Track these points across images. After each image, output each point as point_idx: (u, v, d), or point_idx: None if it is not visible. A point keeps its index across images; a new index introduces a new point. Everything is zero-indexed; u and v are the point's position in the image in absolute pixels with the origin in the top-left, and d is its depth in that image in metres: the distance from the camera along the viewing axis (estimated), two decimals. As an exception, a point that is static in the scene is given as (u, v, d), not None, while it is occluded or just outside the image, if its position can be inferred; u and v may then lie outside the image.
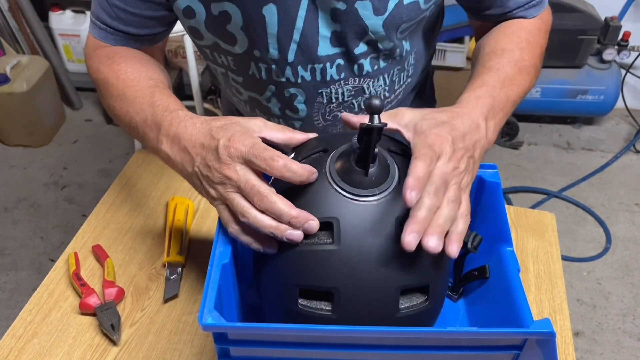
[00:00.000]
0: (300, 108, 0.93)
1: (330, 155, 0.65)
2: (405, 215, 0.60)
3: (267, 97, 0.94)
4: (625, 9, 2.63)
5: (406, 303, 0.63)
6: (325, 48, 0.85)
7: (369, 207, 0.61)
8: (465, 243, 0.74)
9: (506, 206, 0.78)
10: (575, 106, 2.67)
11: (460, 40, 2.30)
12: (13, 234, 2.26)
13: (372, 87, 0.93)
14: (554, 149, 2.72)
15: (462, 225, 0.62)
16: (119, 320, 0.83)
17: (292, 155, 0.66)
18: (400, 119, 0.67)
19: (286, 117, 0.96)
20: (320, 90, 0.90)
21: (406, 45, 0.91)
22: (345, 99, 0.93)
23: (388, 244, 0.61)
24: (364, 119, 0.63)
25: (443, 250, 0.60)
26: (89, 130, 2.79)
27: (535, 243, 0.97)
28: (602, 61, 2.60)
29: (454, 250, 0.60)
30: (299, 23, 0.82)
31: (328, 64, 0.87)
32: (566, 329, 0.84)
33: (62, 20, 2.72)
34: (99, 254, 0.93)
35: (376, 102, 0.58)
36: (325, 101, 0.92)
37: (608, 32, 2.53)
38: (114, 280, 0.89)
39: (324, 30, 0.83)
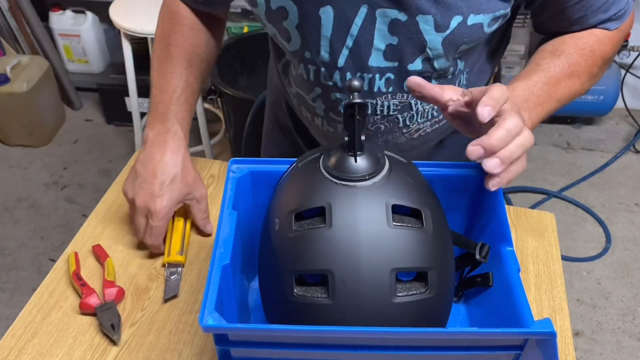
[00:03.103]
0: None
1: (324, 153, 0.68)
2: (396, 199, 0.64)
3: (313, 97, 0.94)
4: (625, 9, 2.63)
5: (404, 290, 0.63)
6: (377, 59, 0.84)
7: (360, 191, 0.64)
8: (472, 254, 0.75)
9: (506, 206, 0.78)
10: (575, 106, 2.67)
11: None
12: (13, 234, 2.26)
13: (420, 104, 0.91)
14: (554, 149, 2.71)
15: (517, 167, 0.68)
16: (119, 320, 0.83)
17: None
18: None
19: (330, 118, 0.96)
20: (367, 100, 0.89)
21: (460, 64, 0.89)
22: (391, 112, 0.92)
23: (380, 226, 0.62)
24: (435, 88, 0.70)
25: (440, 236, 0.64)
26: (89, 130, 2.79)
27: (535, 243, 0.97)
28: (602, 61, 2.60)
29: (494, 184, 0.67)
30: (354, 30, 0.81)
31: (377, 76, 0.86)
32: (566, 329, 0.84)
33: (62, 20, 2.72)
34: (99, 254, 0.93)
35: (355, 82, 0.63)
36: (370, 112, 0.91)
37: (608, 32, 2.53)
38: (114, 280, 0.89)
39: (379, 42, 0.82)
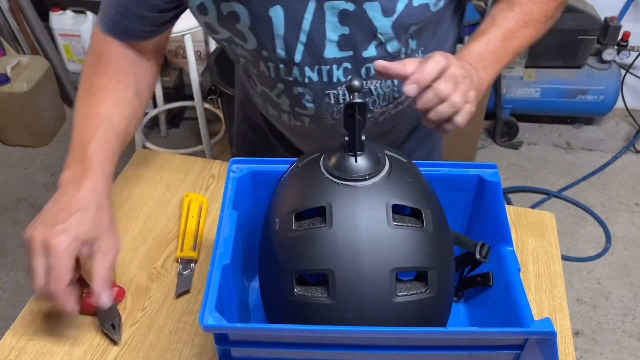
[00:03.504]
0: (309, 106, 0.93)
1: (324, 153, 0.69)
2: (396, 199, 0.64)
3: (277, 93, 0.95)
4: (625, 9, 2.63)
5: (404, 289, 0.63)
6: (332, 51, 0.86)
7: (360, 191, 0.64)
8: (472, 254, 0.75)
9: (506, 206, 0.78)
10: (575, 106, 2.67)
11: (460, 40, 2.30)
12: (13, 234, 2.26)
13: (380, 88, 0.92)
14: (554, 149, 2.72)
15: (445, 107, 0.73)
16: (119, 320, 0.83)
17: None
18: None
19: (296, 113, 0.96)
20: (327, 91, 0.90)
21: (412, 44, 0.91)
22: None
23: (380, 226, 0.62)
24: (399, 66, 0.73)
25: (440, 236, 0.64)
26: (89, 130, 2.78)
27: (535, 243, 0.97)
28: (602, 61, 2.60)
29: (446, 128, 0.74)
30: (305, 25, 0.82)
31: (335, 66, 0.87)
32: (566, 328, 0.84)
33: (63, 21, 2.72)
34: (100, 254, 0.93)
35: (356, 82, 0.63)
36: (332, 102, 0.92)
37: (608, 32, 2.53)
38: (115, 280, 0.89)
39: (331, 34, 0.84)
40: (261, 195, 0.77)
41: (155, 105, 2.59)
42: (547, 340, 0.59)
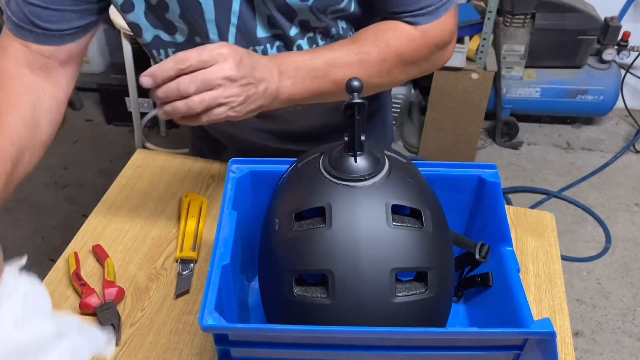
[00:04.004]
0: None
1: (324, 153, 0.69)
2: (396, 199, 0.63)
3: None
4: (625, 9, 2.63)
5: (404, 290, 0.63)
6: (262, 30, 0.86)
7: (360, 191, 0.64)
8: (472, 254, 0.75)
9: (506, 206, 0.78)
10: (575, 106, 2.67)
11: (460, 40, 2.30)
12: (13, 234, 2.26)
13: None
14: (554, 149, 2.72)
15: (182, 105, 0.69)
16: (119, 320, 0.83)
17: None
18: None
19: None
20: None
21: (342, 24, 0.90)
22: None
23: (380, 226, 0.62)
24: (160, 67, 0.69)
25: (440, 236, 0.64)
26: (90, 130, 2.79)
27: (535, 243, 0.97)
28: (602, 61, 2.60)
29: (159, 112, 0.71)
30: (235, 7, 0.82)
31: (268, 46, 0.88)
32: (566, 329, 0.84)
33: (62, 20, 2.72)
34: (99, 254, 0.93)
35: (355, 82, 0.63)
36: None
37: (608, 32, 2.53)
38: (114, 280, 0.89)
39: (259, 14, 0.84)
40: (261, 195, 0.77)
41: (155, 105, 2.58)
42: (546, 341, 0.59)
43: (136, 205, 1.03)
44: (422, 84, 2.58)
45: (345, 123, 0.64)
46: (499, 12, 2.38)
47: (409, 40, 0.85)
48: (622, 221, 2.36)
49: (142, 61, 2.43)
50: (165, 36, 0.88)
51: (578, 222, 2.36)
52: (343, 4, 0.85)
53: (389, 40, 0.84)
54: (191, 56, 0.69)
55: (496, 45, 2.44)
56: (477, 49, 2.30)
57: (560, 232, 1.02)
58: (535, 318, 0.63)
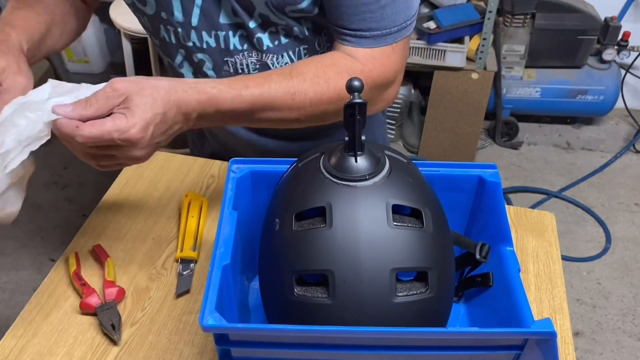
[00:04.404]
0: (210, 74, 0.94)
1: (325, 153, 0.68)
2: (396, 199, 0.63)
3: (179, 62, 0.96)
4: (625, 9, 2.63)
5: (404, 290, 0.63)
6: (225, 16, 0.86)
7: (360, 191, 0.64)
8: (472, 254, 0.75)
9: (506, 206, 0.78)
10: (575, 106, 2.67)
11: (460, 40, 2.30)
12: (13, 234, 2.26)
13: (277, 64, 0.92)
14: (554, 149, 2.72)
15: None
16: (119, 320, 0.83)
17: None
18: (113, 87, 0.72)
19: None
20: (225, 59, 0.91)
21: (307, 25, 0.89)
22: (251, 71, 0.93)
23: (380, 226, 0.62)
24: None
25: (440, 236, 0.65)
26: (89, 130, 2.79)
27: (535, 243, 0.97)
28: (602, 61, 2.60)
29: None
30: None
31: (230, 33, 0.88)
32: (566, 329, 0.84)
33: (62, 20, 2.72)
34: (100, 254, 0.93)
35: (356, 82, 0.62)
36: (232, 71, 0.92)
37: (608, 32, 2.53)
38: (115, 280, 0.89)
39: (223, 0, 0.85)
40: (261, 195, 0.77)
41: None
42: (547, 341, 0.59)
43: (136, 205, 1.03)
44: (422, 84, 2.58)
45: (345, 123, 0.64)
46: (499, 12, 2.38)
47: (349, 77, 0.82)
48: (622, 221, 2.36)
49: (142, 61, 2.44)
50: (139, 5, 0.90)
51: (578, 222, 2.36)
52: (303, 5, 0.84)
53: (329, 78, 0.81)
54: (104, 133, 0.69)
55: (496, 45, 2.44)
56: (477, 49, 2.30)
57: (560, 232, 1.02)
58: (535, 318, 0.63)
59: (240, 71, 0.93)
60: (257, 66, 0.93)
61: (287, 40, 0.90)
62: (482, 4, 2.34)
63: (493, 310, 0.74)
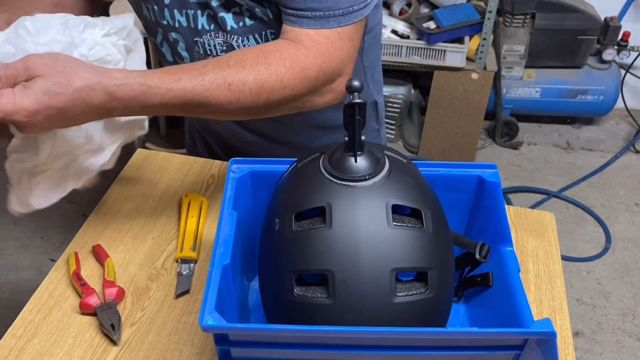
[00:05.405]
0: (184, 55, 0.95)
1: (324, 153, 0.68)
2: (396, 199, 0.63)
3: (159, 41, 0.96)
4: (625, 9, 2.63)
5: (404, 290, 0.63)
6: None
7: (360, 191, 0.64)
8: (472, 254, 0.75)
9: (506, 206, 0.78)
10: (575, 106, 2.67)
11: (460, 40, 2.30)
12: (13, 234, 2.26)
13: (242, 45, 0.91)
14: (554, 149, 2.72)
15: None
16: (119, 320, 0.83)
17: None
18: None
19: (177, 64, 0.97)
20: (195, 39, 0.91)
21: (271, 8, 0.87)
22: (219, 53, 0.93)
23: (380, 226, 0.62)
24: None
25: (440, 236, 0.65)
26: (89, 130, 2.79)
27: (535, 243, 0.97)
28: (602, 61, 2.60)
29: None
30: None
31: (199, 12, 0.88)
32: (566, 329, 0.84)
33: (62, 20, 2.72)
34: (100, 254, 0.93)
35: (356, 83, 0.62)
36: (202, 52, 0.92)
37: (608, 32, 2.54)
38: (114, 280, 0.89)
39: None
40: (261, 195, 0.77)
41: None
42: (547, 341, 0.59)
43: (136, 205, 1.03)
44: (422, 84, 2.59)
45: (345, 123, 0.64)
46: (499, 12, 2.38)
47: (292, 62, 0.80)
48: (622, 221, 2.36)
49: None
50: None
51: (578, 222, 2.36)
52: None
53: (270, 64, 0.79)
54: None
55: (496, 45, 2.44)
56: (477, 49, 2.31)
57: (560, 232, 1.02)
58: (535, 318, 0.63)
59: (209, 53, 0.92)
60: (224, 47, 0.92)
61: (252, 22, 0.89)
62: (482, 4, 2.34)
63: (493, 310, 0.74)
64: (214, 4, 0.87)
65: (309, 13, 0.80)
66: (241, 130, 1.08)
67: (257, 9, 0.87)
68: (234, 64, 0.78)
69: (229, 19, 0.88)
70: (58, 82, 0.68)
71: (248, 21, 0.89)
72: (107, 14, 1.01)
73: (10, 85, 0.68)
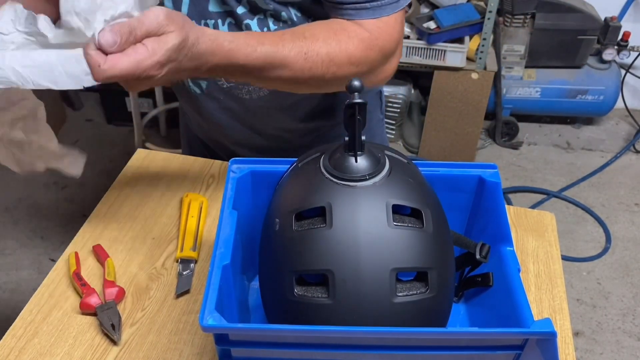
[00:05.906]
0: None
1: (324, 153, 0.68)
2: (396, 199, 0.63)
3: None
4: (625, 9, 2.63)
5: (404, 290, 0.63)
6: (214, 4, 0.87)
7: (360, 191, 0.64)
8: (472, 254, 0.75)
9: (506, 206, 0.78)
10: (575, 106, 2.67)
11: (460, 40, 2.30)
12: (13, 234, 2.26)
13: None
14: (554, 149, 2.72)
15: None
16: (119, 320, 0.83)
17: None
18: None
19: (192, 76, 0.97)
20: None
21: (294, 11, 0.89)
22: None
23: (380, 226, 0.62)
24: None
25: (440, 236, 0.65)
26: (90, 130, 2.79)
27: (535, 243, 0.97)
28: (602, 61, 2.61)
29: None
30: None
31: (220, 21, 0.88)
32: (566, 328, 0.84)
33: (62, 20, 2.72)
34: (100, 254, 0.93)
35: (356, 83, 0.63)
36: None
37: (608, 32, 2.54)
38: (115, 280, 0.89)
39: None
40: (261, 195, 0.77)
41: (155, 105, 2.59)
42: (547, 341, 0.59)
43: (136, 205, 1.03)
44: (422, 84, 2.59)
45: (345, 123, 0.64)
46: (499, 12, 2.38)
47: (359, 41, 0.84)
48: (622, 221, 2.36)
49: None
50: None
51: (578, 222, 2.36)
52: None
53: (340, 40, 0.83)
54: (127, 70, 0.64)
55: (496, 45, 2.44)
56: (477, 49, 2.31)
57: (560, 232, 1.02)
58: (535, 318, 0.63)
59: None
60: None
61: (275, 26, 0.90)
62: (482, 4, 2.34)
63: (493, 310, 0.74)
64: (240, 11, 0.87)
65: (367, 4, 0.84)
66: (254, 136, 1.07)
67: (283, 12, 0.88)
68: (309, 36, 0.81)
69: (253, 25, 0.89)
70: (184, 37, 0.67)
71: (272, 25, 0.90)
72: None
73: (137, 41, 0.66)
